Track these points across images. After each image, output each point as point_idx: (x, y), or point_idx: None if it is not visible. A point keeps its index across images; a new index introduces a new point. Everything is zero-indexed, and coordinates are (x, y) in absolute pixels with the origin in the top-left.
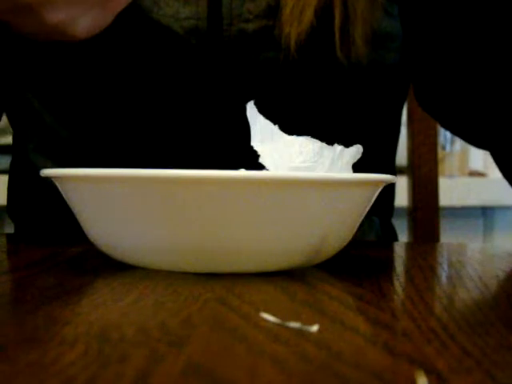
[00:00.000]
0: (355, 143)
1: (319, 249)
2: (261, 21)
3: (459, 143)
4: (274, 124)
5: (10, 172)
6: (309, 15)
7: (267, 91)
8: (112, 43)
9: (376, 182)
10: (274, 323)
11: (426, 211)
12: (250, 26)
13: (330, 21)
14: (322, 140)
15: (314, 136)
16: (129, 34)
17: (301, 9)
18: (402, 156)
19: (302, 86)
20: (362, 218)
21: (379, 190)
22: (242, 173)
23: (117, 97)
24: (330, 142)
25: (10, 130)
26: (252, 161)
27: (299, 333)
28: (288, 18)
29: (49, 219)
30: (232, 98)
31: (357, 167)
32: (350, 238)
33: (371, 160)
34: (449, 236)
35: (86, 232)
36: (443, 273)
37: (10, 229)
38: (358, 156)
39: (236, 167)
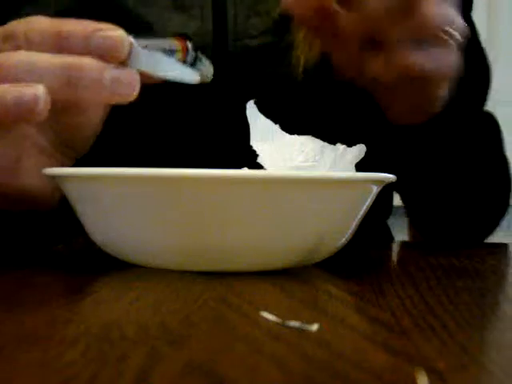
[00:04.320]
0: (358, 143)
1: (318, 247)
2: (266, 37)
3: None
4: (275, 123)
5: None
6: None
7: (269, 91)
8: None
9: (374, 181)
10: (274, 322)
11: None
12: (255, 42)
13: None
14: (324, 139)
15: (317, 135)
16: None
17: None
18: None
19: (305, 85)
20: (362, 217)
21: (379, 189)
22: (240, 172)
23: None
24: (333, 142)
25: None
26: (253, 160)
27: (299, 332)
28: (300, 44)
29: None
30: (234, 98)
31: (360, 167)
32: (350, 236)
33: (374, 159)
34: None
35: (86, 231)
36: (443, 272)
37: None
38: (361, 155)
39: (237, 166)
